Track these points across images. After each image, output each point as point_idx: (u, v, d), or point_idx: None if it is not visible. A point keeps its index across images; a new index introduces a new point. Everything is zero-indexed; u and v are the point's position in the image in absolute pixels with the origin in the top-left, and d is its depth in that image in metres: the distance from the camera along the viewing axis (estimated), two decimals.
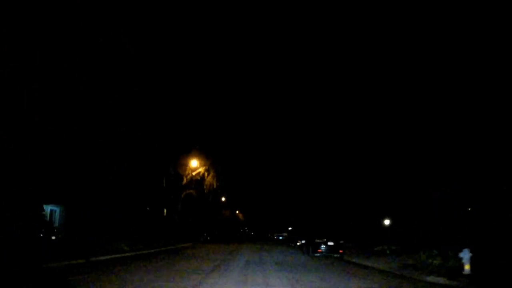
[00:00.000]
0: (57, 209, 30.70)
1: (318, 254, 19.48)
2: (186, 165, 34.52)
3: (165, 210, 38.43)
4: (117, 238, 24.55)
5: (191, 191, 36.23)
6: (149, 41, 26.77)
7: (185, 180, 35.24)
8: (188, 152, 33.58)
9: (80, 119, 25.13)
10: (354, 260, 18.06)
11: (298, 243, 31.28)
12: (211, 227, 57.72)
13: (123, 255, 18.22)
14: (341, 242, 19.65)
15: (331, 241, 19.32)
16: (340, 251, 19.40)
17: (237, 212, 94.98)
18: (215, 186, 36.16)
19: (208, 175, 35.94)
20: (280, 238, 53.90)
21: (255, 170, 61.93)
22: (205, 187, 35.75)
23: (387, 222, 23.85)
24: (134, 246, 23.30)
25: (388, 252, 20.21)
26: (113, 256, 17.24)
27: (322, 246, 19.17)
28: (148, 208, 39.89)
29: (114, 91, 26.59)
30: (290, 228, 67.08)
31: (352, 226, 29.55)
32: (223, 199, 60.07)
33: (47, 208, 29.53)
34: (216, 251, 23.72)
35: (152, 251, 23.26)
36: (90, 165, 30.76)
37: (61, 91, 21.54)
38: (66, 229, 29.85)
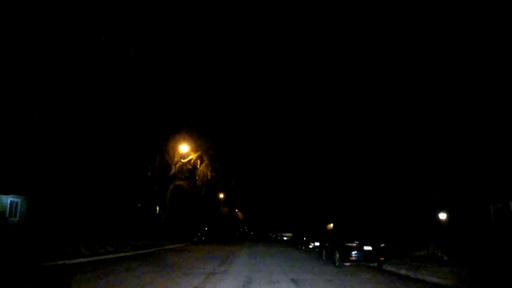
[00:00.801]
0: (18, 200, 25.80)
1: (348, 263, 13.71)
2: (174, 150, 28.76)
3: (157, 207, 33.12)
4: (90, 237, 20.59)
5: (181, 182, 30.42)
6: (149, 41, 25.85)
7: (173, 169, 29.44)
8: (177, 134, 27.76)
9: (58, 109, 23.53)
10: (402, 272, 12.28)
11: (310, 246, 25.50)
12: (207, 226, 52.26)
13: (73, 261, 12.77)
14: (382, 245, 13.85)
15: (368, 244, 13.52)
16: (381, 258, 13.64)
17: (236, 210, 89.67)
18: (209, 177, 30.28)
19: (201, 163, 30.08)
20: (285, 238, 47.78)
21: (255, 166, 56.18)
22: (197, 177, 29.90)
23: (443, 216, 18.03)
24: (103, 248, 18.13)
25: (445, 258, 14.41)
26: (58, 262, 12.21)
27: (354, 252, 13.35)
28: (139, 205, 35.34)
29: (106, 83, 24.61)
30: (290, 228, 61.92)
31: (379, 223, 23.71)
32: (221, 195, 54.73)
33: (7, 199, 24.82)
34: (208, 256, 18.00)
35: (122, 255, 17.83)
36: (62, 151, 26.79)
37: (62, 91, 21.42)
38: (24, 225, 25.17)
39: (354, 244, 13.40)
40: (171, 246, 26.49)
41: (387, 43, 25.64)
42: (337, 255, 13.86)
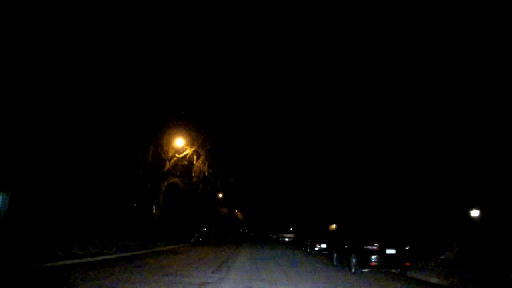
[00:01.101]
0: None
1: (366, 270, 11.56)
2: (169, 145, 26.62)
3: (154, 207, 31.07)
4: (78, 238, 19.12)
5: (177, 179, 28.29)
6: (146, 32, 25.04)
7: (168, 165, 27.31)
8: (171, 127, 25.60)
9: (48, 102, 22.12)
10: (434, 281, 10.13)
11: (316, 248, 23.33)
12: (205, 226, 50.20)
13: (42, 265, 11.09)
14: (407, 248, 11.71)
15: (391, 247, 11.37)
16: (407, 263, 11.50)
17: (235, 211, 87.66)
18: (206, 173, 28.10)
19: (197, 158, 27.91)
20: (286, 240, 44.42)
21: (255, 165, 53.83)
22: (193, 173, 27.74)
23: (475, 213, 15.86)
24: (83, 250, 16.50)
25: (480, 262, 12.28)
26: (27, 266, 10.81)
27: (375, 256, 11.20)
28: (135, 204, 33.50)
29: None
30: (291, 229, 59.86)
31: (387, 222, 21.55)
32: (220, 195, 52.66)
33: None
34: (203, 260, 15.88)
35: (104, 258, 15.97)
36: (52, 147, 25.01)
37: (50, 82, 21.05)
38: (6, 224, 23.30)
39: (375, 247, 11.24)
40: (165, 248, 24.49)
41: (387, 43, 24.69)
42: (354, 260, 11.69)
